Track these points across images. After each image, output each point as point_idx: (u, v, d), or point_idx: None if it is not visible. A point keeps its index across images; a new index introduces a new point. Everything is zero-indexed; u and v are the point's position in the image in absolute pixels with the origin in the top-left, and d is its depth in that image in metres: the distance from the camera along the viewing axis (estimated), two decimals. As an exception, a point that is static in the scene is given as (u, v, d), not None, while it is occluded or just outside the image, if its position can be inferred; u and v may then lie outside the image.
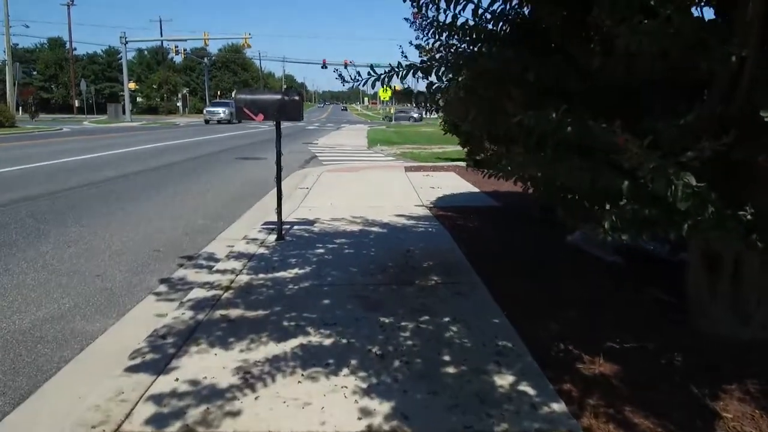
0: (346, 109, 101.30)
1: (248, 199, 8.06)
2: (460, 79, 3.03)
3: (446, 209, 7.26)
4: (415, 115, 47.93)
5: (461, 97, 3.06)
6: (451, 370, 2.60)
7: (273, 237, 5.32)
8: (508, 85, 2.71)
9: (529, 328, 3.11)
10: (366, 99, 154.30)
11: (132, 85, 51.51)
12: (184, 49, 58.30)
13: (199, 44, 60.65)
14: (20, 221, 6.41)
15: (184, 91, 71.32)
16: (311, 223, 6.14)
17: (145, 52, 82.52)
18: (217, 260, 4.75)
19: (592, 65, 2.41)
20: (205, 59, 70.51)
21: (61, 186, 9.03)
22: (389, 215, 6.71)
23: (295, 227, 5.88)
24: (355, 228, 5.86)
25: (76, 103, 58.45)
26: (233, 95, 5.13)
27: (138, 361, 2.67)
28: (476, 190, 9.23)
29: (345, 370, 2.58)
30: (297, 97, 5.00)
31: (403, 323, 3.17)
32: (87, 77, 71.46)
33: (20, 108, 47.56)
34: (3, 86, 39.03)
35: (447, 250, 4.91)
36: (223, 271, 4.19)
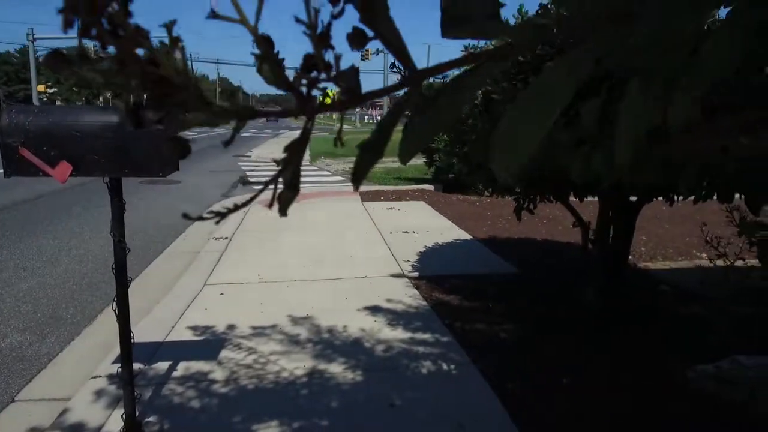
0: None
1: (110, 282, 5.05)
2: None
3: (442, 285, 4.57)
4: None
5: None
6: None
7: None
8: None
9: None
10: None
11: (42, 87, 46.00)
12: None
13: (121, 43, 55.59)
14: None
15: (108, 94, 65.78)
16: (214, 348, 3.28)
17: (65, 52, 75.80)
18: None
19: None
20: (130, 59, 65.19)
21: None
22: (356, 309, 3.96)
23: (179, 368, 3.00)
24: (299, 366, 3.06)
25: (-20, 108, 52.14)
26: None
27: None
28: (467, 236, 6.60)
29: None
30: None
31: None
32: (-1, 79, 64.82)
33: None
34: None
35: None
36: None
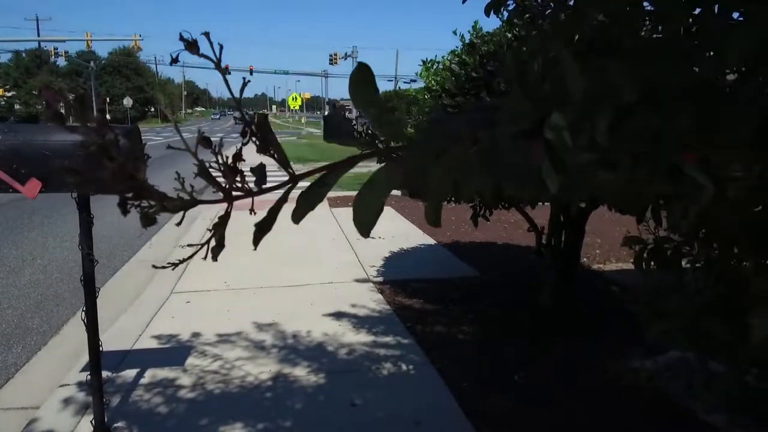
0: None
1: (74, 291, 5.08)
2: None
3: (406, 289, 4.74)
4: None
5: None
6: None
7: None
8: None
9: None
10: (274, 107, 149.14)
11: None
12: (66, 52, 52.05)
13: (82, 46, 54.44)
14: None
15: (69, 98, 63.85)
16: (181, 355, 3.38)
17: (24, 55, 73.54)
18: None
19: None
20: (92, 63, 63.62)
21: None
22: (321, 314, 4.09)
23: (146, 375, 3.09)
24: (264, 370, 3.18)
25: (-66, 112, 50.25)
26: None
27: None
28: (431, 240, 6.80)
29: None
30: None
31: None
32: (-48, 83, 62.67)
33: None
34: None
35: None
36: None
